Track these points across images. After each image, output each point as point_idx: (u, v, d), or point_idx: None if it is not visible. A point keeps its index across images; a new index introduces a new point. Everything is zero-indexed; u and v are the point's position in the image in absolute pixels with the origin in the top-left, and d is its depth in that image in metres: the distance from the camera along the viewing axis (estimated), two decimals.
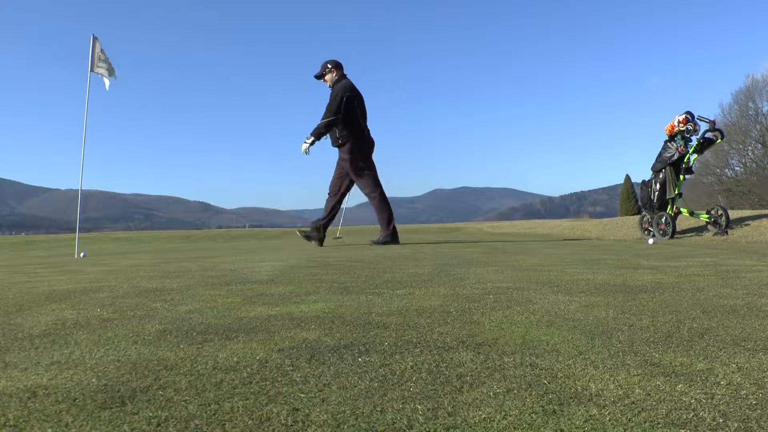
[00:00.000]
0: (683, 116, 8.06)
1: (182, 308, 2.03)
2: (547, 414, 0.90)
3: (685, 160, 8.06)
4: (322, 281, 2.80)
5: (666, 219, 8.12)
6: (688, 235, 8.38)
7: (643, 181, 8.68)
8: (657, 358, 1.24)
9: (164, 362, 1.26)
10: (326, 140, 7.00)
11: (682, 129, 8.02)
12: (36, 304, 2.20)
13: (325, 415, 0.91)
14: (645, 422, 0.86)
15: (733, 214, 9.55)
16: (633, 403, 0.95)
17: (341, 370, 1.18)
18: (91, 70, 6.94)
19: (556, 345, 1.37)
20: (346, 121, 6.79)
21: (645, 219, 9.00)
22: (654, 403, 0.95)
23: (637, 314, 1.76)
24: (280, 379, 1.11)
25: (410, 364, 1.21)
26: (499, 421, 0.88)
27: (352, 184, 7.10)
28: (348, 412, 0.93)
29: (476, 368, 1.17)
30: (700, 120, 8.06)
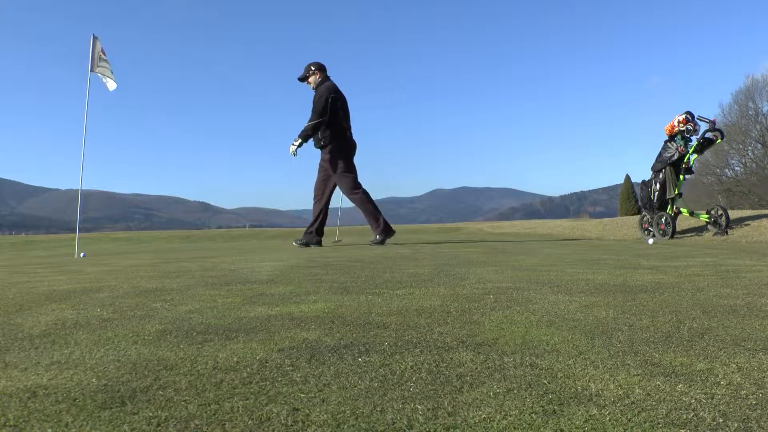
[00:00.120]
0: (683, 116, 8.06)
1: (182, 308, 2.03)
2: (547, 414, 0.90)
3: (685, 160, 8.06)
4: (322, 281, 2.80)
5: (666, 219, 8.12)
6: (688, 235, 8.38)
7: (643, 181, 8.68)
8: (657, 358, 1.24)
9: (164, 362, 1.26)
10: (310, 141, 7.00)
11: (682, 129, 8.02)
12: (36, 304, 2.20)
13: (325, 415, 0.91)
14: (645, 422, 0.86)
15: (733, 214, 9.54)
16: (633, 403, 0.95)
17: (341, 370, 1.18)
18: (91, 70, 6.94)
19: (556, 345, 1.37)
20: (329, 123, 6.80)
21: (645, 219, 9.00)
22: (654, 403, 0.95)
23: (637, 314, 1.76)
24: (280, 379, 1.11)
25: (410, 364, 1.22)
26: (499, 421, 0.88)
27: (335, 186, 7.10)
28: (348, 412, 0.93)
29: (476, 368, 1.17)
30: (700, 120, 8.06)
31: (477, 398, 0.98)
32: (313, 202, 7.15)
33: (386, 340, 1.45)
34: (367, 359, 1.26)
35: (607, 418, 0.88)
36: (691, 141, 8.13)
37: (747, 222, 8.38)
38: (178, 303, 2.16)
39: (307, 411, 0.93)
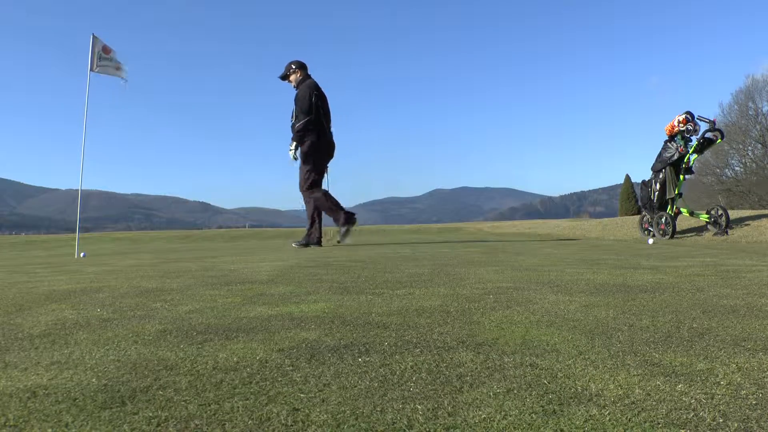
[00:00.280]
0: (683, 116, 8.06)
1: (182, 308, 2.03)
2: (547, 414, 0.90)
3: (685, 160, 8.06)
4: (322, 281, 2.80)
5: (666, 219, 8.12)
6: (688, 235, 8.38)
7: (643, 181, 8.68)
8: (657, 358, 1.24)
9: (164, 362, 1.26)
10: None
11: (682, 129, 8.03)
12: (36, 304, 2.20)
13: (325, 415, 0.91)
14: (645, 422, 0.86)
15: (733, 214, 9.54)
16: (633, 403, 0.95)
17: (341, 370, 1.18)
18: (91, 70, 6.94)
19: (556, 345, 1.37)
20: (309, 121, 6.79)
21: (645, 219, 9.00)
22: (654, 403, 0.95)
23: (637, 314, 1.76)
24: (280, 379, 1.11)
25: (410, 364, 1.22)
26: (499, 421, 0.88)
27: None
28: (348, 412, 0.93)
29: (476, 368, 1.17)
30: (700, 120, 8.06)
31: (477, 398, 0.98)
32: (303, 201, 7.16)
33: (386, 340, 1.45)
34: (367, 359, 1.26)
35: (607, 418, 0.88)
36: (691, 141, 8.13)
37: (747, 222, 8.38)
38: (178, 303, 2.16)
39: (307, 411, 0.93)
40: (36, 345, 1.47)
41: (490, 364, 1.20)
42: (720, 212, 8.10)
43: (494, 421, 0.88)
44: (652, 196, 8.40)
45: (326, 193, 6.96)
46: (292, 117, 6.94)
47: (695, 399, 0.97)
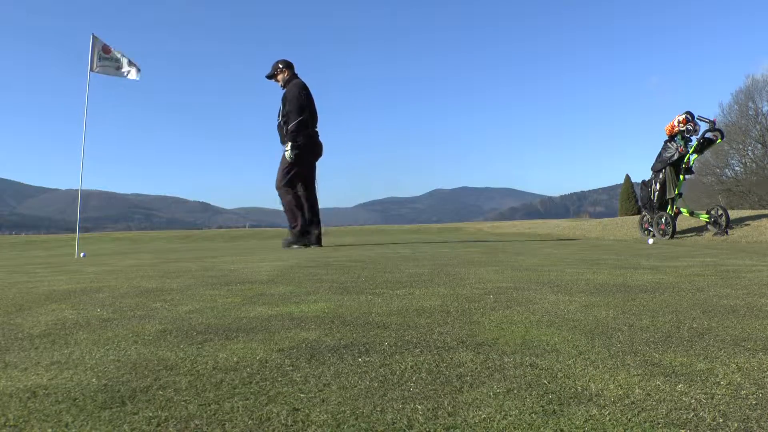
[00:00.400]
0: (683, 116, 8.06)
1: (182, 308, 2.03)
2: (547, 414, 0.90)
3: (685, 160, 8.06)
4: (322, 281, 2.80)
5: (666, 219, 8.12)
6: (688, 235, 8.38)
7: (643, 181, 8.68)
8: (657, 358, 1.24)
9: (164, 362, 1.26)
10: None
11: (682, 129, 8.03)
12: (36, 304, 2.20)
13: (325, 415, 0.91)
14: (645, 422, 0.86)
15: (733, 214, 9.55)
16: (633, 403, 0.95)
17: (341, 370, 1.18)
18: (91, 70, 6.94)
19: (556, 345, 1.37)
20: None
21: (645, 219, 9.00)
22: (654, 403, 0.95)
23: (637, 314, 1.76)
24: (280, 379, 1.11)
25: (410, 364, 1.21)
26: (499, 421, 0.88)
27: (311, 179, 7.06)
28: (348, 412, 0.93)
29: (476, 368, 1.17)
30: (700, 120, 8.06)
31: (477, 398, 0.98)
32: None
33: (386, 340, 1.45)
34: (367, 359, 1.26)
35: (607, 418, 0.88)
36: (691, 141, 8.13)
37: (747, 222, 8.38)
38: (178, 303, 2.16)
39: (307, 411, 0.93)
40: (36, 345, 1.47)
41: (490, 364, 1.20)
42: (720, 212, 8.10)
43: (494, 421, 0.88)
44: (652, 196, 8.40)
45: (296, 196, 6.91)
46: (279, 116, 6.91)
47: (695, 399, 0.97)
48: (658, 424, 0.86)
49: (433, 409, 0.93)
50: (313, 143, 6.96)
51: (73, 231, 9.19)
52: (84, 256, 6.76)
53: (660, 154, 8.30)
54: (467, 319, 1.71)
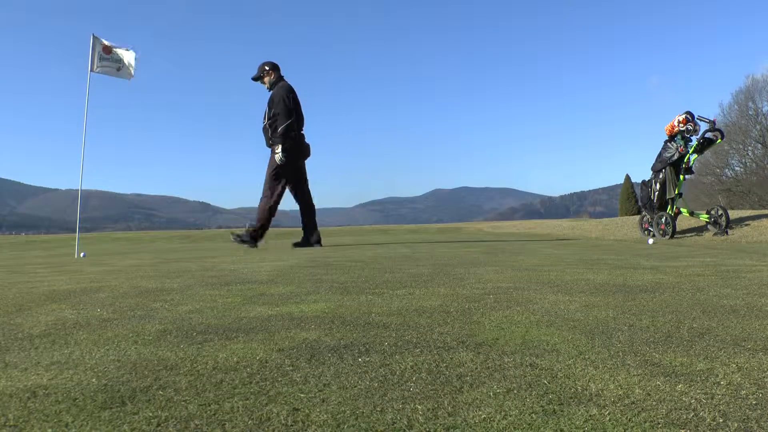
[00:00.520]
0: (683, 116, 8.06)
1: (182, 308, 2.03)
2: (547, 414, 0.90)
3: (685, 160, 8.06)
4: (322, 281, 2.80)
5: (666, 219, 8.12)
6: (688, 235, 8.38)
7: (643, 181, 8.68)
8: (657, 358, 1.24)
9: (164, 362, 1.26)
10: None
11: (682, 129, 8.02)
12: (36, 304, 2.20)
13: (325, 415, 0.91)
14: (645, 422, 0.86)
15: (733, 214, 9.54)
16: (633, 403, 0.95)
17: (341, 370, 1.18)
18: (92, 70, 6.93)
19: (556, 345, 1.37)
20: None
21: (645, 219, 9.00)
22: (654, 403, 0.95)
23: (637, 314, 1.76)
24: (280, 379, 1.11)
25: (410, 364, 1.22)
26: (499, 421, 0.88)
27: (305, 180, 7.05)
28: (348, 412, 0.93)
29: (476, 368, 1.17)
30: (700, 120, 8.06)
31: (477, 398, 0.98)
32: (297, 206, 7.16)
33: (386, 340, 1.45)
34: (367, 359, 1.26)
35: (607, 418, 0.88)
36: (691, 141, 8.13)
37: (747, 222, 8.38)
38: (178, 303, 2.16)
39: (307, 411, 0.93)
40: (36, 345, 1.47)
41: (490, 364, 1.20)
42: (720, 212, 8.10)
43: (494, 421, 0.88)
44: (652, 196, 8.40)
45: (277, 202, 6.90)
46: (265, 118, 6.90)
47: (695, 399, 0.97)
48: (658, 424, 0.86)
49: (433, 409, 0.93)
50: (300, 145, 6.95)
51: (73, 231, 9.19)
52: (84, 256, 6.76)
53: (660, 154, 8.30)
54: (467, 319, 1.71)
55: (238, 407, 0.96)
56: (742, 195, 33.71)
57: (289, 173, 6.87)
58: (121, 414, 0.94)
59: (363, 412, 0.92)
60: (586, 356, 1.26)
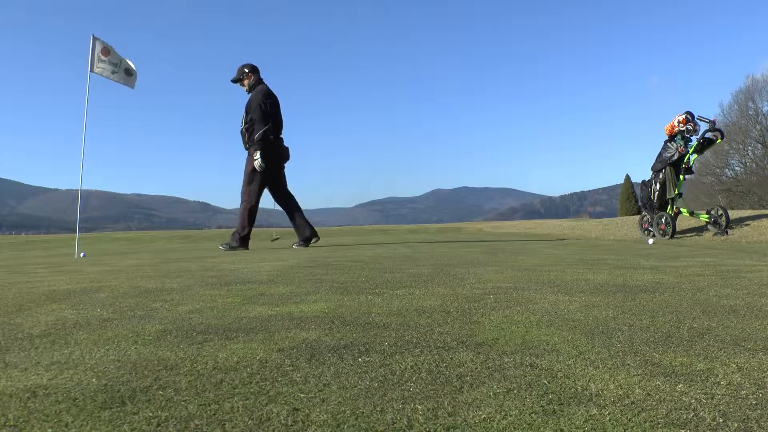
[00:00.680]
0: (683, 116, 8.06)
1: (182, 308, 2.03)
2: (547, 414, 0.90)
3: (685, 160, 8.06)
4: (322, 281, 2.80)
5: (666, 219, 8.12)
6: (688, 235, 8.38)
7: (643, 181, 8.68)
8: (657, 358, 1.24)
9: (164, 362, 1.26)
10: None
11: (682, 129, 8.02)
12: (36, 304, 2.20)
13: (325, 415, 0.91)
14: (645, 422, 0.86)
15: (733, 214, 9.55)
16: (633, 403, 0.95)
17: (341, 370, 1.18)
18: (91, 70, 6.93)
19: (556, 345, 1.37)
20: (256, 128, 6.75)
21: (645, 219, 9.00)
22: (654, 403, 0.95)
23: (637, 314, 1.76)
24: (280, 379, 1.11)
25: (410, 364, 1.22)
26: (499, 421, 0.88)
27: (284, 181, 7.04)
28: (348, 412, 0.93)
29: (476, 368, 1.17)
30: (700, 120, 8.06)
31: (477, 398, 0.98)
32: (284, 209, 7.16)
33: (386, 340, 1.45)
34: (367, 359, 1.26)
35: (607, 418, 0.88)
36: (691, 141, 8.13)
37: (747, 222, 8.38)
38: (178, 303, 2.16)
39: (307, 411, 0.93)
40: (36, 345, 1.47)
41: (490, 364, 1.20)
42: (720, 212, 8.10)
43: (494, 421, 0.88)
44: (652, 196, 8.40)
45: (255, 205, 6.88)
46: (243, 122, 6.88)
47: (695, 399, 0.97)
48: (658, 424, 0.86)
49: (433, 409, 0.93)
50: (277, 149, 6.94)
51: (73, 231, 9.19)
52: (84, 256, 6.76)
53: (660, 154, 8.30)
54: (467, 319, 1.71)
55: (238, 407, 0.96)
56: (742, 195, 33.71)
57: (267, 178, 6.88)
58: (121, 414, 0.94)
59: (363, 412, 0.92)
60: (586, 356, 1.26)
